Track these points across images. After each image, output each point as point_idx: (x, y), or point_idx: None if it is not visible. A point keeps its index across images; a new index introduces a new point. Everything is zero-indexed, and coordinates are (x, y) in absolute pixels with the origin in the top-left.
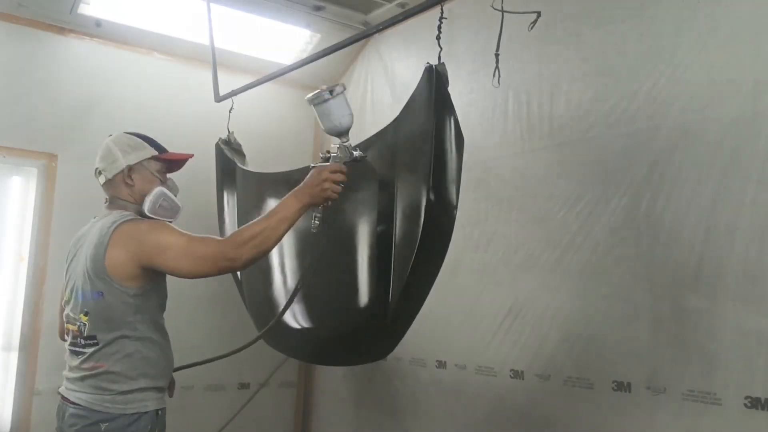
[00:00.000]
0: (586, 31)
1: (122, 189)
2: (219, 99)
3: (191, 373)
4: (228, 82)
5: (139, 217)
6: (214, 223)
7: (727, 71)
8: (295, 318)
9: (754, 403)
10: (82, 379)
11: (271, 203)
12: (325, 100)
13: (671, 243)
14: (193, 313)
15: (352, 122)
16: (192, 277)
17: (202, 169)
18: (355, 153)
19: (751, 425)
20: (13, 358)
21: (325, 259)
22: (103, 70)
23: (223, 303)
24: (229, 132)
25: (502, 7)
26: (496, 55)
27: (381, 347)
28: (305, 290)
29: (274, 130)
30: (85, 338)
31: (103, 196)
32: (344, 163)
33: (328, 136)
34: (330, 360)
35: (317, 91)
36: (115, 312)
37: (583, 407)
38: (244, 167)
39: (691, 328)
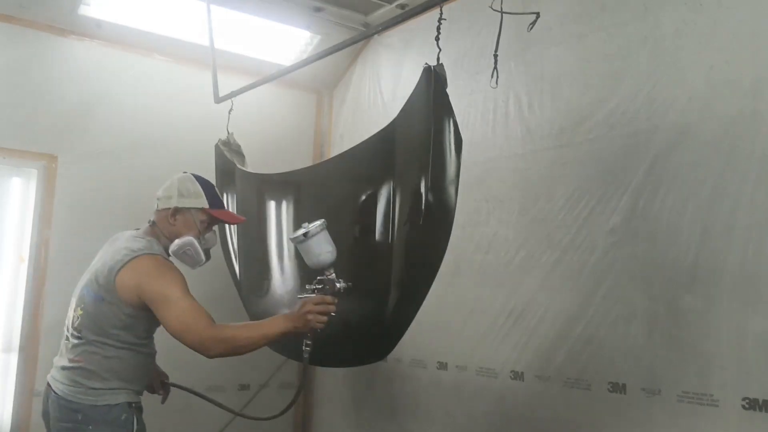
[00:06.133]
0: (588, 33)
1: (164, 223)
2: (219, 100)
3: (192, 374)
4: (228, 83)
5: (162, 255)
6: None
7: (726, 72)
8: None
9: (752, 404)
10: (63, 369)
11: (271, 204)
12: (306, 240)
13: (668, 243)
14: None
15: (333, 257)
16: (171, 333)
17: (201, 170)
18: (338, 284)
19: (749, 427)
20: (13, 358)
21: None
22: (103, 71)
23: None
24: (228, 133)
25: (501, 8)
26: (495, 56)
27: (379, 348)
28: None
29: (274, 132)
30: (76, 329)
31: (101, 201)
32: (331, 294)
33: (327, 137)
34: (329, 361)
35: (300, 230)
36: (105, 319)
37: (581, 409)
38: (244, 168)
39: (687, 329)
